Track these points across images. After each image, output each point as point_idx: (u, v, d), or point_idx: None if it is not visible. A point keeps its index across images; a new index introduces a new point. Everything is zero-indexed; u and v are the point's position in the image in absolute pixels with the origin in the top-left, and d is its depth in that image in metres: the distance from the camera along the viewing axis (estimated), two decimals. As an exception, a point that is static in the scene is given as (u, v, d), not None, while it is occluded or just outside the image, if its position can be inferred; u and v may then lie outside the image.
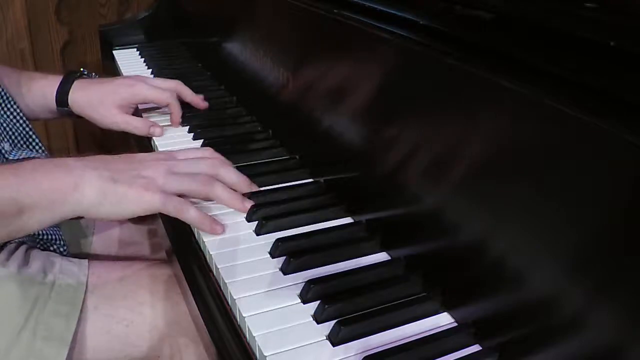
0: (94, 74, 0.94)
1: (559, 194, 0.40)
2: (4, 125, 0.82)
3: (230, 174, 0.68)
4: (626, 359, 0.36)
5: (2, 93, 0.83)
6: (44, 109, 0.90)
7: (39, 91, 0.88)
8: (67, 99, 0.87)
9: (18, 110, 0.84)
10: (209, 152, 0.71)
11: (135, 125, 0.86)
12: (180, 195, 0.64)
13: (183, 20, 1.37)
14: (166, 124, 0.90)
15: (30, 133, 0.84)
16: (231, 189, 0.67)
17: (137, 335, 0.71)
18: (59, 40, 1.55)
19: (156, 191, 0.61)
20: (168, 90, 0.90)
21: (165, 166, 0.64)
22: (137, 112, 0.93)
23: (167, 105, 0.90)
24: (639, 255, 0.35)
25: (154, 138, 0.86)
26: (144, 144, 0.88)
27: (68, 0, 1.54)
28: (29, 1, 1.47)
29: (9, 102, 0.83)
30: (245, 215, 0.66)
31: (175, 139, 0.87)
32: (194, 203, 0.65)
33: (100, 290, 0.71)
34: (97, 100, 0.87)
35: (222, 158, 0.70)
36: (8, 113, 0.83)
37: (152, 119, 0.91)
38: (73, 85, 0.87)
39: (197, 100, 0.93)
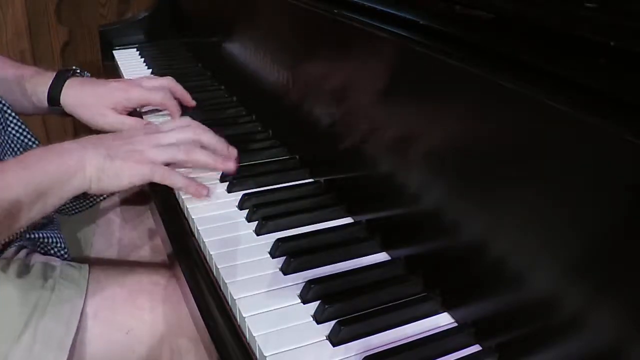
0: (86, 72, 0.93)
1: (558, 194, 0.40)
2: (7, 139, 0.80)
3: (210, 139, 0.74)
4: (626, 359, 0.36)
5: (1, 102, 0.82)
6: (34, 105, 0.89)
7: (30, 87, 0.88)
8: (59, 98, 0.87)
9: (15, 121, 0.83)
10: (187, 120, 0.77)
11: (129, 124, 0.86)
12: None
13: (183, 20, 1.37)
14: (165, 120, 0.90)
15: (30, 143, 0.83)
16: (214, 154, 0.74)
17: (136, 342, 0.71)
18: (59, 40, 1.55)
19: (147, 163, 0.69)
20: (161, 89, 0.90)
21: (154, 140, 0.71)
22: (136, 114, 0.93)
23: (162, 105, 0.90)
24: (639, 255, 0.35)
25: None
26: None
27: (68, 0, 1.54)
28: (29, 1, 1.47)
29: (9, 114, 0.82)
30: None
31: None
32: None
33: (100, 295, 0.71)
34: (90, 101, 0.87)
35: (202, 125, 0.76)
36: (10, 127, 0.82)
37: (151, 119, 0.90)
38: (66, 84, 0.87)
39: (187, 98, 0.94)
